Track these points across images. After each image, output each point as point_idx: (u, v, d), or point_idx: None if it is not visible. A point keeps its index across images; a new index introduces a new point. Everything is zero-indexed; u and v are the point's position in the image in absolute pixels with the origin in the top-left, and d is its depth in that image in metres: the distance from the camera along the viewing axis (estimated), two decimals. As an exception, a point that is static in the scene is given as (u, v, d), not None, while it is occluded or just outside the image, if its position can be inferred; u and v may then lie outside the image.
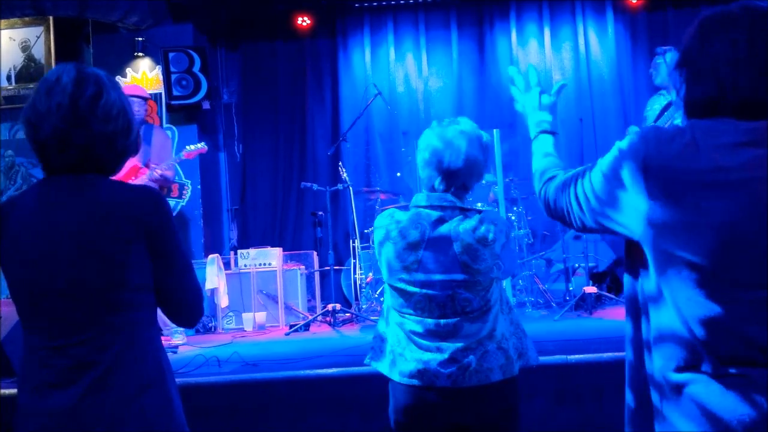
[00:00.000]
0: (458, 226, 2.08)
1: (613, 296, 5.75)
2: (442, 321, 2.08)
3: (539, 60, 7.51)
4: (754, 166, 1.16)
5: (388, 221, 2.18)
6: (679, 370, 1.22)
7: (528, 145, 6.75)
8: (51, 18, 6.82)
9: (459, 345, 2.06)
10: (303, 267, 6.52)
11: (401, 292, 2.13)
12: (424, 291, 2.09)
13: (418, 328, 2.11)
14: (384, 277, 2.20)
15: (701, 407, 1.17)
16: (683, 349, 1.21)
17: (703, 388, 1.18)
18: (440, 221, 2.10)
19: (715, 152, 1.19)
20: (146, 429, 1.52)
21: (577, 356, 3.26)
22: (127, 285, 1.53)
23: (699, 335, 1.18)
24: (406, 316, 2.13)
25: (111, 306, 1.52)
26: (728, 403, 1.15)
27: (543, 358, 3.36)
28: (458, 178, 2.12)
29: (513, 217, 6.17)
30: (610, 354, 3.21)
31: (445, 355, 2.06)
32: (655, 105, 5.70)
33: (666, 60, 5.18)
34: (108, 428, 1.49)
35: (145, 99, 5.50)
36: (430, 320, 2.09)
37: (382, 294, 6.19)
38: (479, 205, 5.88)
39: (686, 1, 7.22)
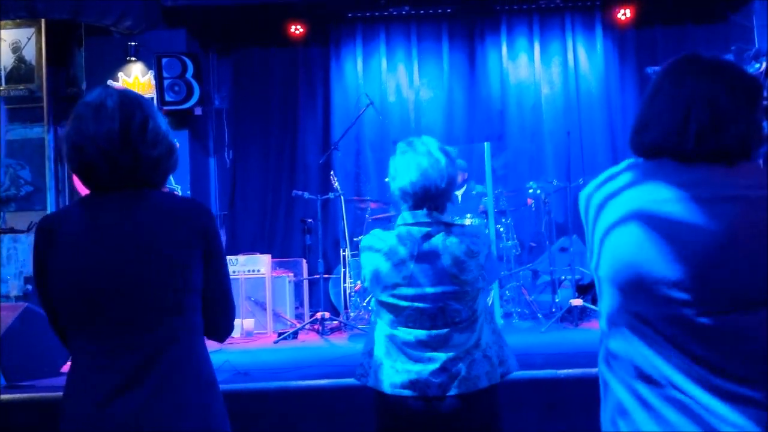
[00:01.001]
0: (445, 240, 2.17)
1: (590, 306, 5.82)
2: (434, 332, 2.16)
3: (528, 73, 7.62)
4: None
5: (376, 240, 2.25)
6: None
7: (517, 156, 6.78)
8: (43, 20, 6.80)
9: (450, 354, 2.15)
10: (292, 274, 6.54)
11: (392, 307, 2.20)
12: (415, 305, 2.16)
13: (410, 339, 2.18)
14: (374, 293, 2.27)
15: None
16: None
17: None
18: (427, 236, 2.18)
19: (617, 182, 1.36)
20: (207, 427, 1.61)
21: (566, 371, 3.33)
22: (189, 288, 1.61)
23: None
24: (398, 328, 2.20)
25: (173, 307, 1.59)
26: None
27: (533, 372, 3.44)
28: (438, 199, 2.21)
29: (501, 229, 6.23)
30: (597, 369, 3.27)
31: (437, 365, 2.15)
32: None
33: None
34: (173, 427, 1.55)
35: None
36: (421, 331, 2.17)
37: (370, 303, 6.24)
38: (468, 216, 5.94)
39: (674, 19, 7.36)
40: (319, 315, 5.83)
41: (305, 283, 6.55)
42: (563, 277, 6.40)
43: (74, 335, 1.61)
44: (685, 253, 1.21)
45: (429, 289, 2.15)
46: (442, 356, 2.15)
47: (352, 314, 6.28)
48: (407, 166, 2.20)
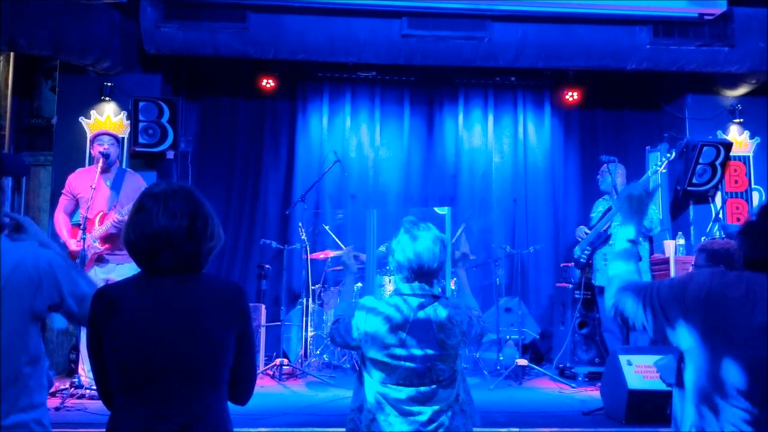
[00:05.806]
0: (435, 310, 2.56)
1: (534, 366, 6.25)
2: (422, 389, 2.52)
3: (481, 142, 8.16)
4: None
5: (376, 305, 2.61)
6: None
7: (467, 218, 7.21)
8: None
9: (435, 407, 2.52)
10: (249, 319, 6.66)
11: (385, 366, 2.55)
12: (407, 364, 2.52)
13: (401, 396, 2.53)
14: (367, 352, 2.60)
15: None
16: None
17: None
18: (421, 307, 2.56)
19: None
20: None
21: (529, 429, 3.69)
22: (225, 364, 1.84)
23: None
24: (389, 385, 2.55)
25: (212, 381, 1.81)
26: None
27: (499, 430, 3.78)
28: (432, 275, 2.64)
29: (453, 287, 6.60)
30: (556, 429, 3.65)
31: (425, 417, 2.50)
32: (599, 207, 6.37)
33: (610, 170, 5.83)
34: None
35: (118, 140, 5.74)
36: (411, 389, 2.53)
37: (323, 351, 6.48)
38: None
39: (614, 105, 8.13)
40: (278, 361, 6.03)
41: (262, 329, 6.71)
42: (507, 337, 6.82)
43: (122, 398, 1.80)
44: None
45: (419, 351, 2.51)
46: (429, 410, 2.51)
47: (305, 362, 6.49)
48: (409, 245, 2.62)
